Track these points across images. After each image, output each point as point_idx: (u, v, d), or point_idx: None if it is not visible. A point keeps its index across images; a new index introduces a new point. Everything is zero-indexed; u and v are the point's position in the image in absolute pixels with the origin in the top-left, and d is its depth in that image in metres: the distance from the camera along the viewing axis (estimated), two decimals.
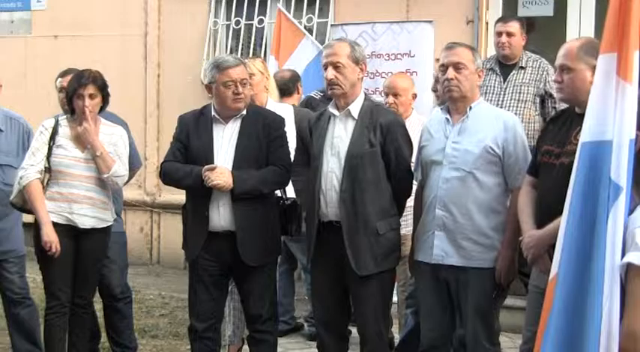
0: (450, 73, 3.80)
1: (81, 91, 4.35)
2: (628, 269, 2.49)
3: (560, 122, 3.60)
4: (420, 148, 4.03)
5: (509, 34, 5.74)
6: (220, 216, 4.09)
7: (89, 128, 4.34)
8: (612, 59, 2.66)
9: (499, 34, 5.81)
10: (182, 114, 4.33)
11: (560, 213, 3.00)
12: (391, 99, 5.07)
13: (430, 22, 6.34)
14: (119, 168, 4.42)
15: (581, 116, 3.38)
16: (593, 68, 3.30)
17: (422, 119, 5.00)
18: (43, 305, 4.69)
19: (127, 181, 4.78)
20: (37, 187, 4.33)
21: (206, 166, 4.02)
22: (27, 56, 9.09)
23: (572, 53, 3.42)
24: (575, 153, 3.24)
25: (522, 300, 5.63)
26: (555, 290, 2.68)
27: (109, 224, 4.54)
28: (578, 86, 3.40)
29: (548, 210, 3.35)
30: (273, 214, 4.24)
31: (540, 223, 3.47)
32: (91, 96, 4.36)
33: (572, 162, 3.16)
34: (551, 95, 5.67)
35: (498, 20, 6.03)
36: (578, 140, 3.32)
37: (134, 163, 4.90)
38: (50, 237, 4.27)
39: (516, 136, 3.79)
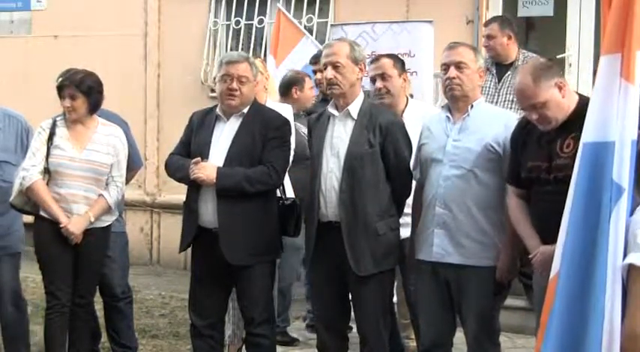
0: (452, 71, 3.81)
1: (62, 91, 4.39)
2: (630, 270, 2.49)
3: (535, 135, 3.52)
4: (420, 146, 4.02)
5: (489, 37, 5.74)
6: (208, 212, 4.10)
7: (70, 228, 4.32)
8: (616, 60, 2.66)
9: (484, 37, 5.85)
10: (195, 110, 4.40)
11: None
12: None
13: (430, 22, 6.33)
14: (112, 194, 4.46)
15: (561, 127, 3.35)
16: (556, 84, 3.30)
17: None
18: (43, 305, 4.69)
19: (128, 182, 4.80)
20: (43, 186, 4.34)
21: (193, 160, 4.06)
22: (27, 56, 9.09)
23: (532, 89, 3.33)
24: (566, 166, 3.19)
25: (522, 300, 5.64)
26: (557, 289, 2.68)
27: (109, 223, 4.54)
28: (555, 112, 3.36)
29: (551, 224, 3.22)
30: (266, 214, 4.18)
31: (544, 238, 3.41)
32: (72, 97, 4.37)
33: (567, 176, 3.05)
34: None
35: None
36: (565, 153, 3.29)
37: (135, 163, 4.90)
38: (73, 228, 4.32)
39: None
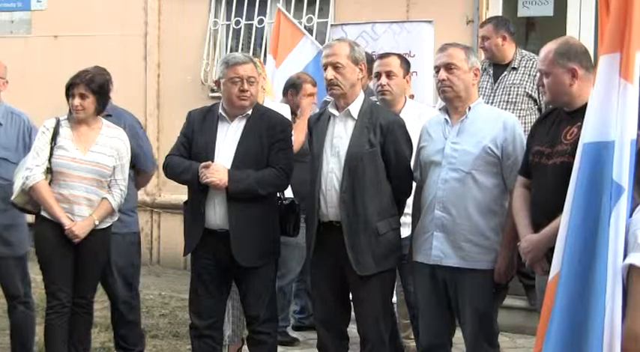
0: (442, 74, 3.84)
1: (72, 90, 4.37)
2: (630, 271, 2.49)
3: (549, 122, 3.62)
4: (419, 149, 4.03)
5: (484, 38, 5.79)
6: (216, 214, 4.10)
7: (75, 231, 4.33)
8: (615, 59, 2.67)
9: (480, 38, 5.88)
10: (191, 109, 4.37)
11: (556, 213, 3.01)
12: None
13: (430, 22, 6.33)
14: (115, 198, 4.46)
15: (570, 115, 3.44)
16: (570, 70, 3.37)
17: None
18: (43, 305, 4.69)
19: (140, 187, 4.96)
20: (45, 186, 4.34)
21: (203, 163, 4.05)
22: (27, 56, 9.07)
23: (548, 58, 3.45)
24: (566, 152, 3.32)
25: (522, 300, 5.66)
26: (557, 289, 2.68)
27: (109, 224, 4.54)
28: (557, 89, 3.45)
29: (544, 211, 3.37)
30: (271, 216, 4.22)
31: (537, 224, 3.47)
32: (82, 96, 4.35)
33: (564, 163, 3.23)
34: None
35: None
36: (568, 140, 3.36)
37: (149, 167, 4.89)
38: (78, 231, 4.33)
39: (515, 137, 3.78)
